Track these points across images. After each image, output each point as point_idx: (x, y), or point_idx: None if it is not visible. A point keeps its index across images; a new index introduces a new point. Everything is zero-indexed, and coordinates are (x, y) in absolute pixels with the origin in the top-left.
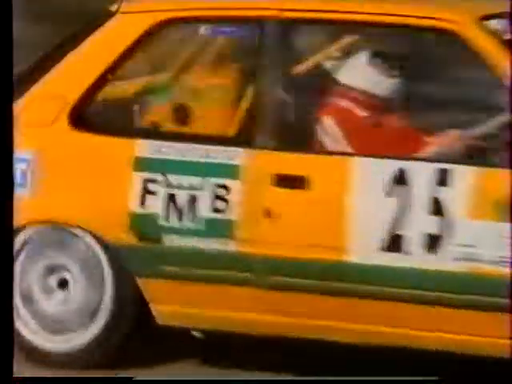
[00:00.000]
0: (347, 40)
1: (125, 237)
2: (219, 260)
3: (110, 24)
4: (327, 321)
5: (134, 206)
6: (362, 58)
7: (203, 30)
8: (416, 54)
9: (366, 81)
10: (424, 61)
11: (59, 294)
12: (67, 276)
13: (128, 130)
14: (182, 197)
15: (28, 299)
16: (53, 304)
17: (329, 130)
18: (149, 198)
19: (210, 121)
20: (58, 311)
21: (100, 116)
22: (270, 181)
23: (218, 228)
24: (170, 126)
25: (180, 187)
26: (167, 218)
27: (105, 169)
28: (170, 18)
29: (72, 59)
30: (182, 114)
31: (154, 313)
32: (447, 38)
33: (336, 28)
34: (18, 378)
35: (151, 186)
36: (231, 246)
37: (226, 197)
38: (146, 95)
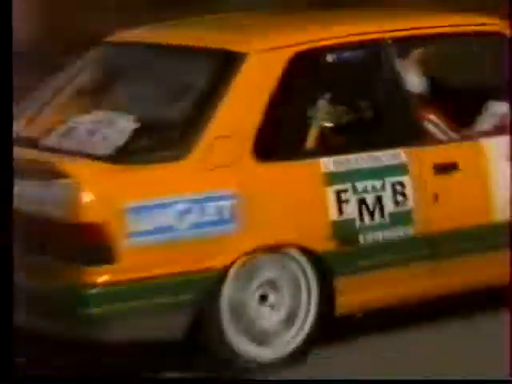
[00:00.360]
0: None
1: (328, 244)
2: (404, 244)
3: (253, 63)
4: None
5: (334, 216)
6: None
7: (331, 57)
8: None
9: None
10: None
11: (266, 309)
12: (272, 291)
13: (309, 151)
14: (370, 199)
15: (239, 316)
16: (261, 318)
17: (438, 123)
18: (344, 206)
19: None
20: (266, 324)
21: (279, 146)
22: (432, 170)
23: (401, 218)
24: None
25: (366, 191)
26: (362, 220)
27: (300, 190)
28: (305, 49)
29: (232, 102)
30: None
31: (340, 306)
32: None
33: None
34: (19, 377)
35: (343, 196)
36: (411, 230)
37: (404, 191)
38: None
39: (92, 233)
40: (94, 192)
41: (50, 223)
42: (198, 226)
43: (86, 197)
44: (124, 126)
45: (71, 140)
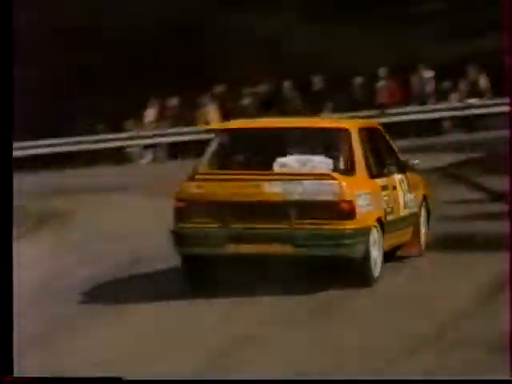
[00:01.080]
0: None
1: (384, 218)
2: (394, 222)
3: (352, 133)
4: None
5: (384, 206)
6: None
7: (364, 131)
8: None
9: None
10: None
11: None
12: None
13: (376, 175)
14: (387, 200)
15: (370, 250)
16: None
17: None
18: (384, 201)
19: None
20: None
21: (369, 171)
22: (393, 188)
23: (392, 210)
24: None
25: (387, 196)
26: (386, 209)
27: (378, 192)
28: (360, 127)
29: (354, 151)
30: None
31: (383, 248)
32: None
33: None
34: (19, 378)
35: (383, 197)
36: (395, 216)
37: (390, 198)
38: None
39: (347, 205)
40: (347, 186)
41: (324, 203)
42: (366, 205)
43: (345, 189)
44: (325, 161)
45: (287, 168)
